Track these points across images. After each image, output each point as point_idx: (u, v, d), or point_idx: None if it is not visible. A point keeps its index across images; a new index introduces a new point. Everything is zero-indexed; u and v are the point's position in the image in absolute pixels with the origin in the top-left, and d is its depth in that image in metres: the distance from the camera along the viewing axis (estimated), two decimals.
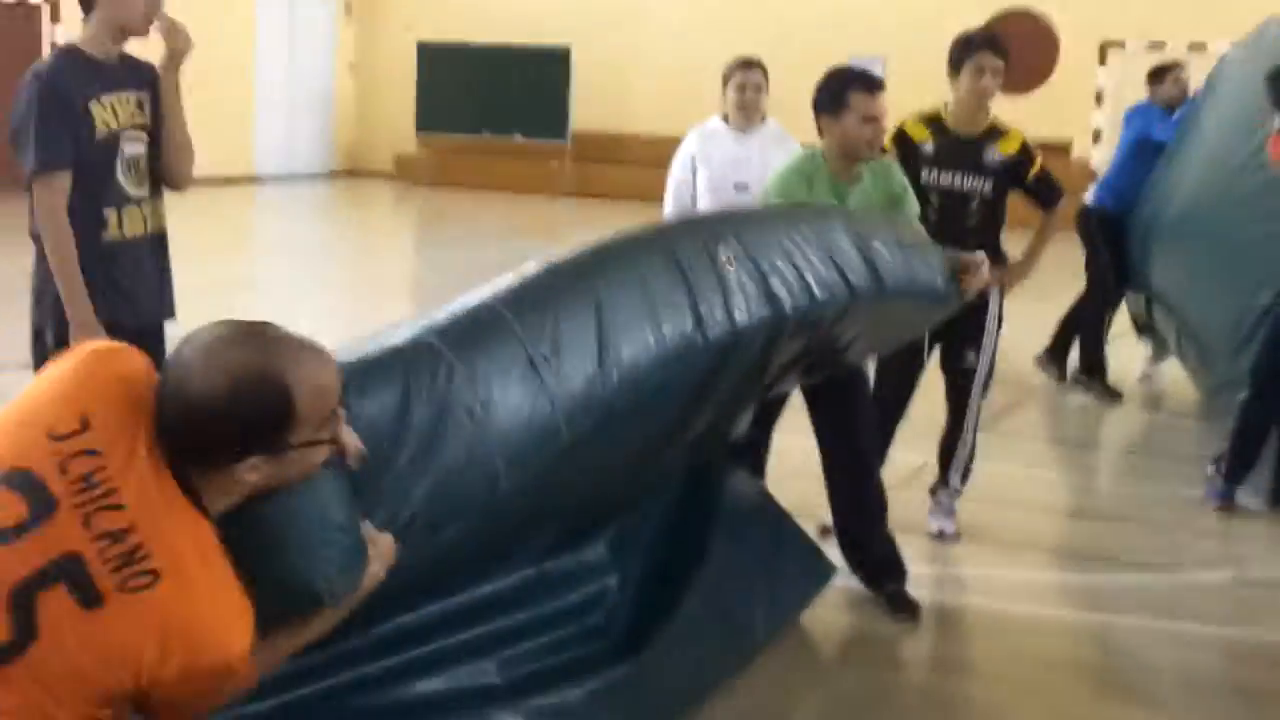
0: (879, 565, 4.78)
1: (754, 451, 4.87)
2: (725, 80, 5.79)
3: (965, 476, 5.61)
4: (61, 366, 2.13)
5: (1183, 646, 4.68)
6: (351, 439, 2.25)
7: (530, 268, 3.00)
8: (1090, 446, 7.81)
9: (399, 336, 2.63)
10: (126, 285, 4.12)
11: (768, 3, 19.08)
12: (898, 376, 5.41)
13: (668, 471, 3.80)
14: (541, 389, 2.73)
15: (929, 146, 5.42)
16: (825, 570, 4.66)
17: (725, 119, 5.81)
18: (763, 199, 4.77)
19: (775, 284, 3.42)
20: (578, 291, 2.95)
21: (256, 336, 2.08)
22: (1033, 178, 5.48)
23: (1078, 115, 16.73)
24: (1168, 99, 8.44)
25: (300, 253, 14.47)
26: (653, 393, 3.03)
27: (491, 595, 3.25)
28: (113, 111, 4.04)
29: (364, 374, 2.45)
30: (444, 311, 2.76)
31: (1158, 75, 8.59)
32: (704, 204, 5.71)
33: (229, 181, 19.22)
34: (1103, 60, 17.04)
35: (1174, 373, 8.35)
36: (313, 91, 21.23)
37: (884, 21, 18.08)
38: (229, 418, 2.01)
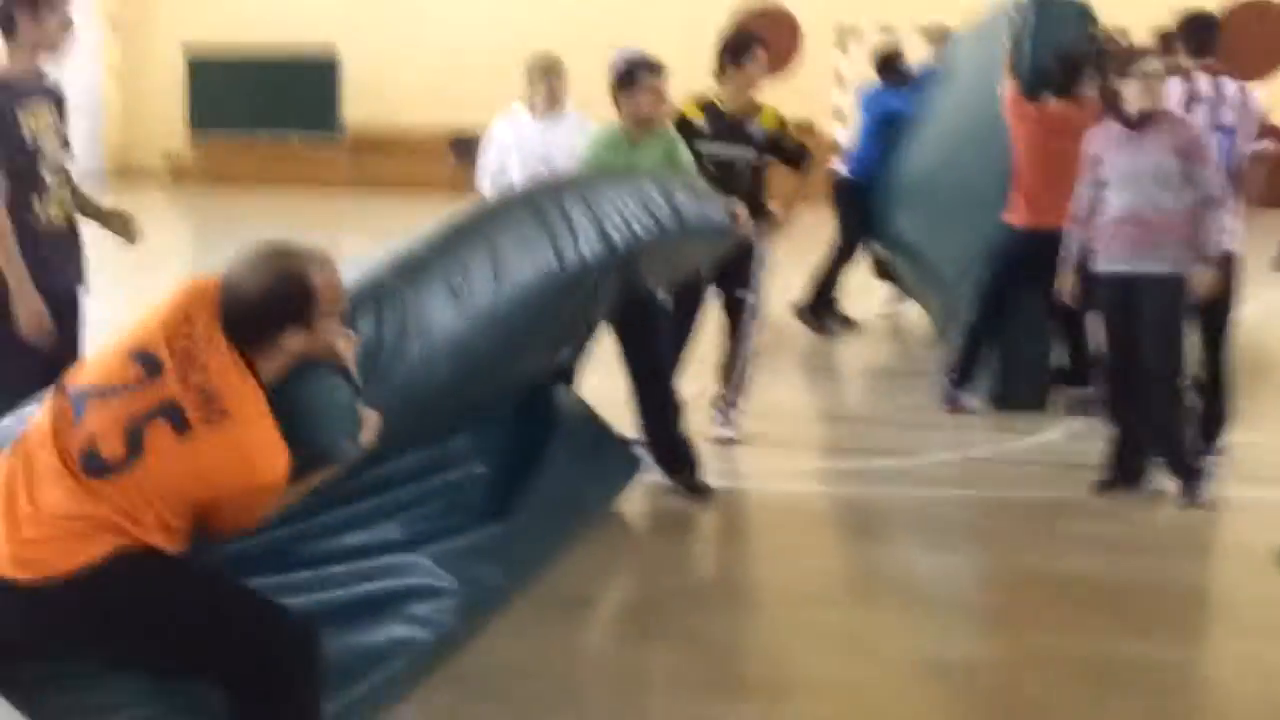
0: (677, 457, 5.91)
1: (569, 372, 5.95)
2: (531, 77, 6.82)
3: (742, 392, 6.81)
4: (174, 292, 3.07)
5: (921, 505, 5.96)
6: (348, 341, 3.24)
7: (434, 226, 4.03)
8: (844, 370, 9.16)
9: (365, 274, 3.61)
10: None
11: (523, 9, 20.07)
12: (685, 309, 6.52)
13: (521, 378, 4.86)
14: (459, 308, 3.77)
15: (702, 123, 6.58)
16: (633, 461, 5.79)
17: (530, 108, 6.84)
18: (581, 166, 5.88)
19: (608, 228, 4.51)
20: (475, 238, 4.01)
21: (284, 250, 3.06)
22: (789, 147, 6.71)
23: (820, 97, 18.25)
24: (897, 79, 9.82)
25: None
26: (530, 309, 4.10)
27: (394, 470, 4.24)
28: (36, 118, 4.81)
29: (352, 303, 3.43)
30: (385, 257, 3.77)
31: (886, 64, 9.96)
32: (518, 183, 6.73)
33: None
34: (843, 49, 18.62)
35: (910, 313, 9.77)
36: (78, 97, 21.41)
37: (641, 17, 19.32)
38: (271, 302, 2.99)
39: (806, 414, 7.63)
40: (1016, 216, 7.34)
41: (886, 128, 9.50)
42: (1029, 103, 7.34)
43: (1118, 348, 5.92)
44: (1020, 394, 7.47)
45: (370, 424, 3.24)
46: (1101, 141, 5.93)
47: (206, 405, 2.90)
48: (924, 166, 8.90)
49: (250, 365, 3.00)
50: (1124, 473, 6.06)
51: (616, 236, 4.57)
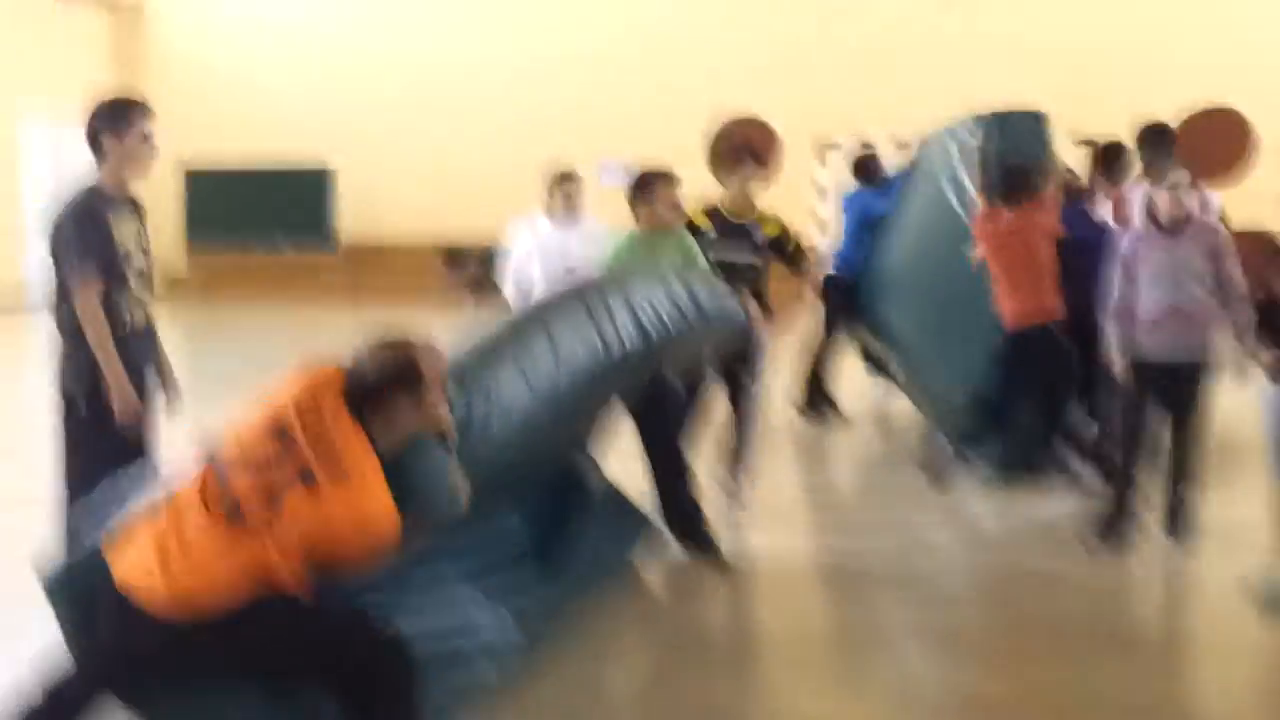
0: (694, 529, 6.46)
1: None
2: (551, 188, 7.46)
3: (750, 474, 7.36)
4: (301, 374, 3.64)
5: (922, 571, 6.53)
6: (448, 414, 3.82)
7: (500, 321, 4.64)
8: (840, 457, 9.73)
9: (461, 361, 4.20)
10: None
11: (511, 125, 20.85)
12: (691, 394, 7.03)
13: (568, 452, 5.43)
14: (528, 388, 4.37)
15: (708, 227, 7.22)
16: (653, 530, 6.33)
17: (548, 214, 7.47)
18: (605, 266, 6.51)
19: (644, 320, 5.14)
20: (536, 327, 4.70)
21: (399, 338, 3.65)
22: (790, 250, 7.35)
23: (801, 207, 19.02)
24: (875, 183, 10.54)
25: None
26: (581, 390, 4.72)
27: (467, 543, 4.78)
28: (125, 230, 5.40)
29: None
30: (462, 342, 4.37)
31: (863, 168, 10.70)
32: (539, 286, 7.33)
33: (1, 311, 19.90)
34: (822, 161, 19.45)
35: (900, 403, 10.38)
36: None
37: (627, 128, 20.13)
38: (388, 381, 3.57)
39: (808, 495, 8.21)
40: (1008, 320, 7.97)
41: (867, 227, 10.18)
42: (986, 217, 8.00)
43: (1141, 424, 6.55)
44: (1021, 473, 8.05)
45: (465, 493, 3.80)
46: (1136, 243, 6.60)
47: (332, 468, 3.45)
48: (902, 263, 9.57)
49: (370, 439, 3.56)
50: (1119, 532, 6.66)
51: (650, 328, 5.19)
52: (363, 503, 3.48)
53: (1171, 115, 11.64)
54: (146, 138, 5.42)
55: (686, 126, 19.24)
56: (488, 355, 4.37)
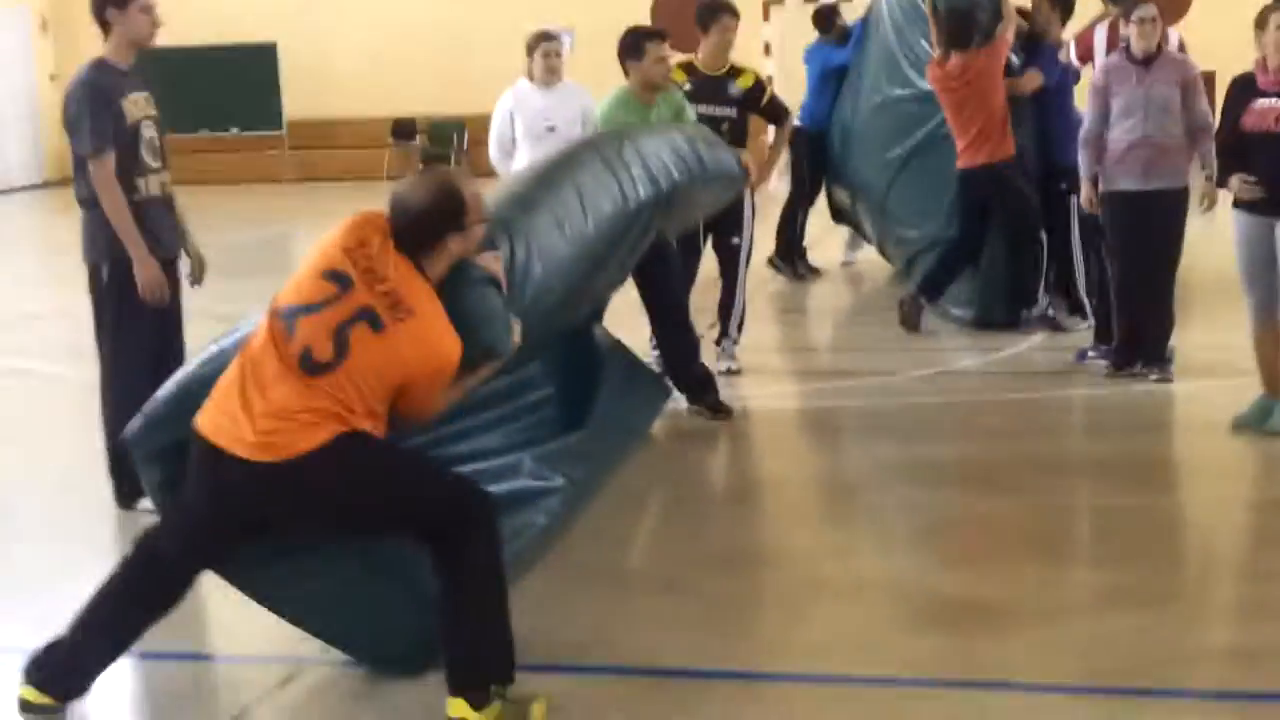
0: (700, 383, 6.70)
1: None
2: (530, 49, 7.54)
3: (740, 329, 7.58)
4: (345, 222, 3.78)
5: (906, 408, 6.82)
6: (495, 254, 3.98)
7: (529, 172, 4.78)
8: (819, 310, 10.00)
9: (501, 210, 4.36)
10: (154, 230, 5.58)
11: None
12: (687, 253, 7.27)
13: (596, 300, 5.62)
14: (564, 236, 4.53)
15: (687, 85, 7.34)
16: (665, 389, 6.56)
17: (530, 79, 7.55)
18: (600, 125, 6.62)
19: (655, 171, 5.28)
20: (564, 179, 4.84)
21: (439, 171, 3.80)
22: (765, 103, 7.50)
23: (750, 64, 19.04)
24: (835, 34, 10.65)
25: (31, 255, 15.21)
26: (608, 237, 4.88)
27: (493, 390, 4.97)
28: (136, 105, 5.51)
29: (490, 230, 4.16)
30: (501, 193, 4.52)
31: (823, 21, 10.82)
32: (522, 146, 7.42)
33: None
34: (766, 17, 19.43)
35: (870, 255, 10.63)
36: (17, 105, 21.66)
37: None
38: (434, 210, 3.70)
39: (793, 347, 8.49)
40: (959, 161, 8.20)
41: (829, 79, 10.31)
42: (935, 64, 8.20)
43: (1130, 251, 6.78)
44: (995, 314, 8.32)
45: (517, 328, 3.98)
46: (1110, 75, 6.79)
47: (395, 307, 3.63)
48: (862, 113, 9.75)
49: (420, 269, 3.72)
50: (1127, 358, 6.97)
51: (662, 178, 5.35)
52: (427, 335, 3.65)
53: None
54: (147, 9, 5.56)
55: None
56: (526, 204, 4.52)
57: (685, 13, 18.50)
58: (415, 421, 3.88)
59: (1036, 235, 8.24)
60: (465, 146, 20.75)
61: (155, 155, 5.59)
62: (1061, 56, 8.24)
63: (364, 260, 3.68)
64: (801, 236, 10.61)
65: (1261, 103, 5.84)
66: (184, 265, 5.79)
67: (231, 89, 20.91)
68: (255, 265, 11.58)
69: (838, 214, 10.80)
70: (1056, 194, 8.12)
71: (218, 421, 3.62)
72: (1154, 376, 6.90)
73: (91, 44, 5.76)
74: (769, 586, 4.84)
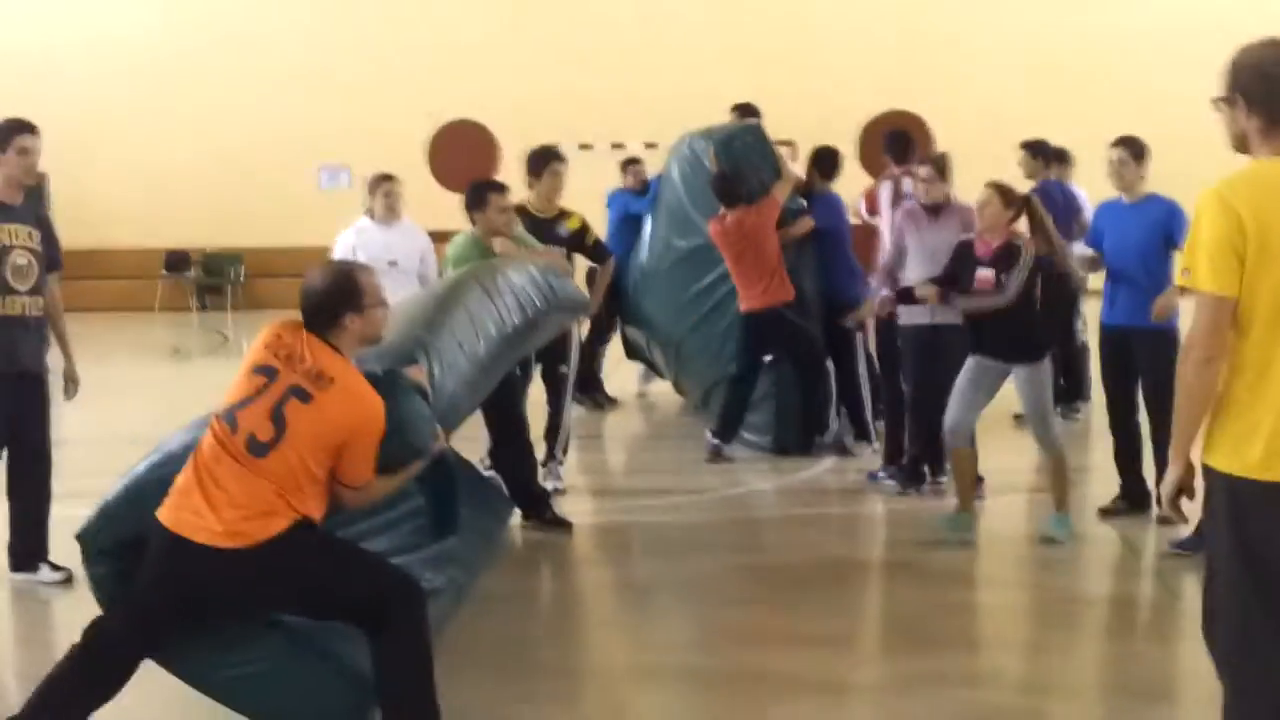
0: (537, 499, 7.27)
1: None
2: (372, 189, 8.12)
3: (565, 450, 8.20)
4: (266, 327, 4.29)
5: (702, 524, 7.52)
6: (419, 367, 4.52)
7: (427, 296, 5.34)
8: (618, 436, 10.67)
9: (406, 330, 4.90)
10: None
11: (233, 124, 20.96)
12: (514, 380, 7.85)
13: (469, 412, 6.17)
14: (463, 353, 5.11)
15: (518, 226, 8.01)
16: (510, 503, 7.10)
17: (371, 216, 8.11)
18: (446, 265, 7.22)
19: (523, 299, 5.93)
20: (457, 306, 5.44)
21: (337, 262, 4.39)
22: (590, 244, 8.23)
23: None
24: (633, 184, 11.54)
25: None
26: (492, 356, 5.47)
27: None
28: (10, 235, 5.98)
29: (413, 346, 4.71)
30: (409, 315, 5.06)
31: (625, 168, 11.73)
32: None
33: None
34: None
35: (662, 387, 11.41)
36: None
37: (349, 135, 20.57)
38: (333, 293, 4.26)
39: (606, 469, 9.12)
40: (742, 305, 9.10)
41: (628, 225, 11.13)
42: (716, 220, 9.12)
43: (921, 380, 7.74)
44: (790, 440, 9.13)
45: (438, 432, 4.51)
46: (903, 222, 7.79)
47: (317, 380, 4.18)
48: (654, 259, 10.56)
49: (332, 346, 4.26)
50: (914, 478, 7.95)
51: (528, 305, 6.05)
52: (349, 395, 4.17)
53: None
54: (24, 152, 6.21)
55: (408, 131, 19.84)
56: (432, 326, 5.10)
57: (457, 146, 19.18)
58: (359, 503, 4.36)
59: (822, 367, 9.12)
60: (243, 279, 20.96)
61: (22, 279, 6.08)
62: (850, 212, 9.25)
63: (284, 350, 4.23)
64: (599, 369, 11.32)
65: (981, 272, 6.89)
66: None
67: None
68: None
69: (631, 351, 11.54)
70: (840, 330, 9.05)
71: (181, 516, 4.06)
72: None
73: None
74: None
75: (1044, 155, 10.40)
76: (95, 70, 20.98)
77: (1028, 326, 6.88)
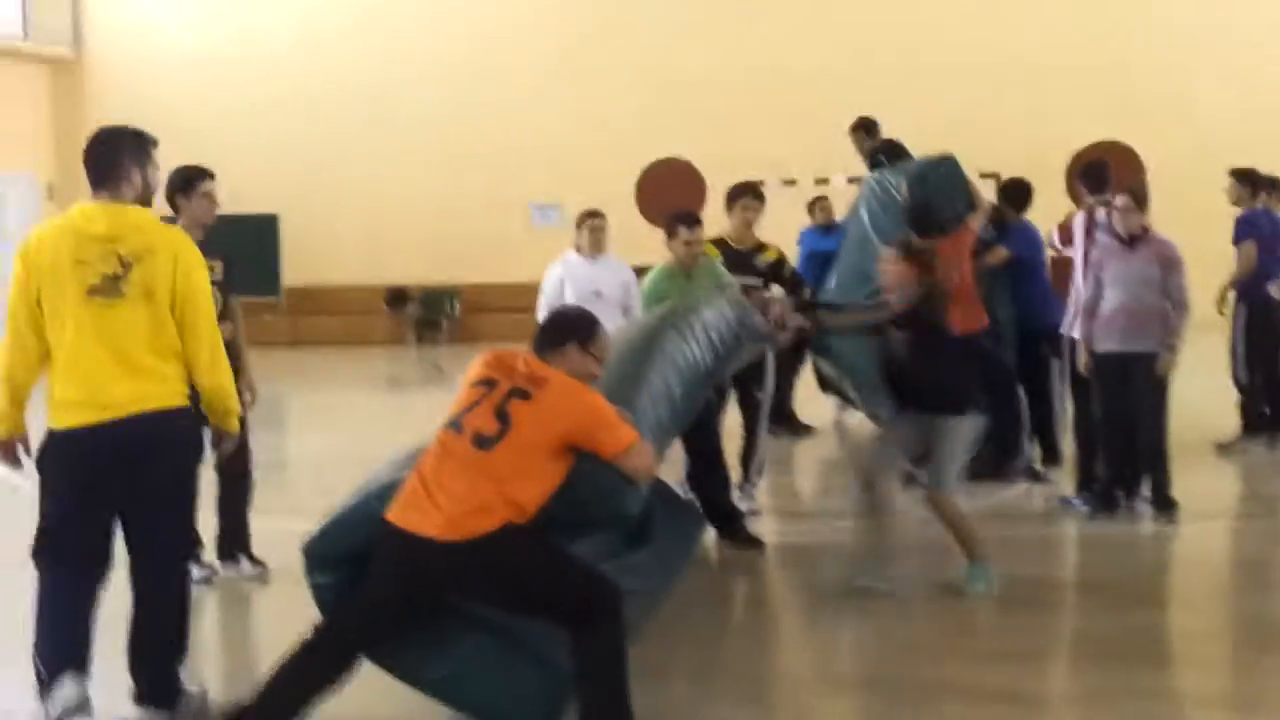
0: (730, 518, 7.57)
1: None
2: (579, 224, 8.55)
3: (760, 474, 8.48)
4: (482, 355, 4.72)
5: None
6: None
7: (627, 349, 5.81)
8: (821, 461, 10.93)
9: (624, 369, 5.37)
10: None
11: (449, 165, 21.81)
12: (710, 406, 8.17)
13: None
14: (662, 400, 5.53)
15: (719, 258, 8.35)
16: (703, 520, 7.39)
17: (579, 250, 8.54)
18: (642, 295, 7.61)
19: (714, 339, 6.38)
20: (656, 350, 5.90)
21: (580, 306, 4.83)
22: (787, 274, 8.52)
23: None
24: (820, 221, 11.79)
25: None
26: (687, 396, 5.90)
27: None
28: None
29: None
30: (621, 359, 5.53)
31: (812, 205, 11.99)
32: None
33: None
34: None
35: (859, 416, 11.58)
36: None
37: (559, 172, 21.25)
38: (573, 318, 4.78)
39: (801, 491, 9.36)
40: None
41: (814, 262, 11.34)
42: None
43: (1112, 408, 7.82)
44: (982, 465, 9.18)
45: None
46: (1099, 254, 7.89)
47: (533, 381, 4.59)
48: (841, 296, 10.73)
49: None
50: (1107, 503, 7.92)
51: (719, 344, 6.45)
52: (567, 388, 4.58)
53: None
54: (208, 195, 6.82)
55: (617, 169, 20.36)
56: (645, 368, 5.61)
57: (664, 183, 19.62)
58: (640, 467, 4.74)
59: (1014, 392, 9.20)
60: (458, 314, 21.77)
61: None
62: (1044, 242, 9.36)
63: (502, 366, 4.66)
64: (792, 397, 11.56)
65: None
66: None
67: (235, 256, 21.91)
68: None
69: (824, 384, 11.72)
70: (1034, 355, 9.14)
71: (406, 514, 4.47)
72: (1161, 521, 7.84)
73: None
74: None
75: (1253, 183, 10.33)
76: (320, 114, 22.08)
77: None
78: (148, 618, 4.96)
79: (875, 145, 10.92)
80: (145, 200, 5.09)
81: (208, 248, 6.62)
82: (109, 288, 4.80)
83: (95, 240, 4.85)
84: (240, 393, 6.75)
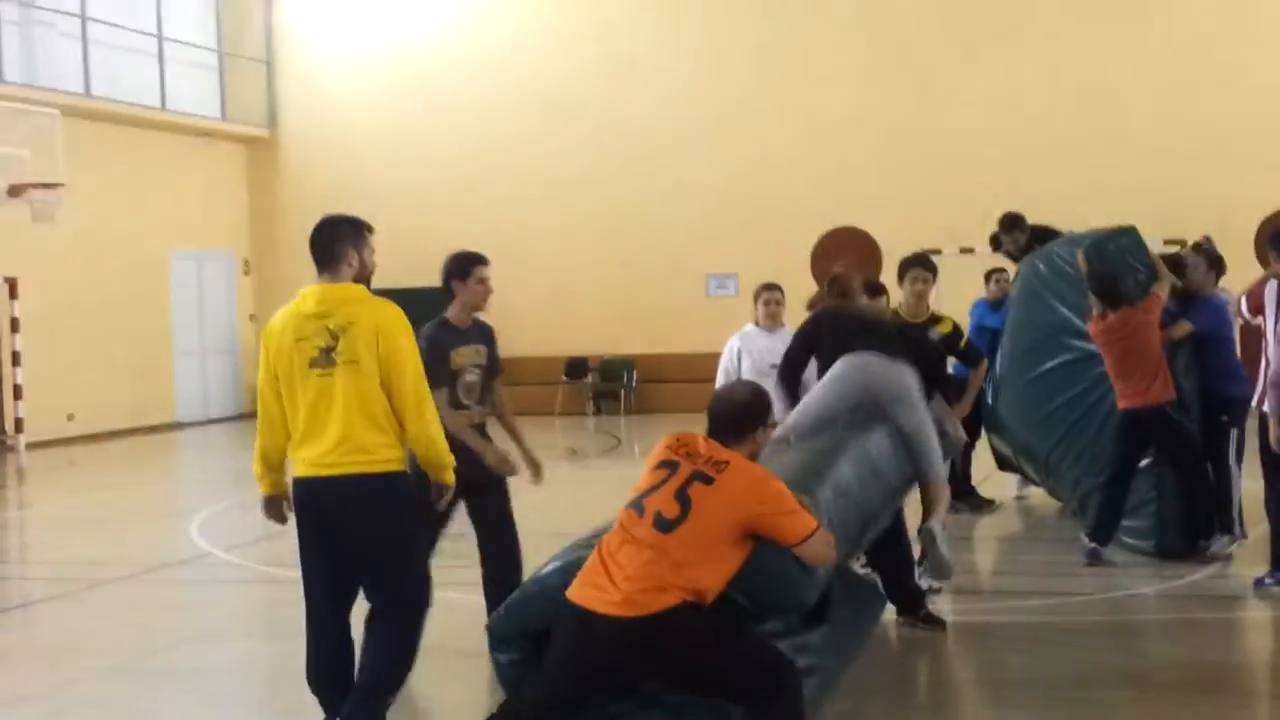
0: (912, 597, 7.49)
1: None
2: (756, 297, 8.63)
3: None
4: (667, 436, 4.78)
5: (1095, 625, 7.51)
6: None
7: (825, 444, 6.07)
8: (1001, 537, 10.76)
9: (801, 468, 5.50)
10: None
11: (627, 238, 22.13)
12: None
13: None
14: (853, 484, 5.70)
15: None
16: (883, 598, 7.35)
17: (756, 323, 8.61)
18: None
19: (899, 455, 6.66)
20: (856, 447, 6.19)
21: (750, 382, 4.84)
22: (962, 347, 8.46)
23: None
24: (993, 295, 11.66)
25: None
26: (879, 500, 6.02)
27: None
28: (464, 357, 6.73)
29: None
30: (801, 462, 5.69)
31: (988, 278, 11.88)
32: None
33: (152, 429, 21.29)
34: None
35: (1039, 490, 11.39)
36: (219, 342, 23.48)
37: (734, 244, 21.42)
38: (754, 404, 4.80)
39: (983, 570, 9.23)
40: (1121, 402, 9.06)
41: (982, 337, 11.18)
42: (1096, 320, 9.11)
43: None
44: (1174, 543, 9.02)
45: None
46: None
47: (714, 465, 4.65)
48: (1013, 370, 10.57)
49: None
50: None
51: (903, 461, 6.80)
52: (748, 472, 4.64)
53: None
54: (482, 281, 6.83)
55: (793, 242, 20.43)
56: (824, 471, 5.81)
57: (839, 252, 19.68)
58: (820, 557, 4.81)
59: (1202, 467, 8.96)
60: (635, 384, 21.99)
61: (470, 394, 6.78)
62: (1232, 310, 9.12)
63: (684, 448, 4.73)
64: (970, 472, 11.37)
65: None
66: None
67: (417, 324, 22.49)
68: None
69: (1001, 463, 11.55)
70: (1217, 425, 8.90)
71: (585, 592, 4.56)
72: None
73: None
74: None
75: None
76: (504, 191, 22.65)
77: None
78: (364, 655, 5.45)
79: (1027, 236, 10.89)
80: (364, 279, 5.52)
81: (473, 335, 6.81)
82: (323, 359, 5.30)
83: (310, 318, 5.37)
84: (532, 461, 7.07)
